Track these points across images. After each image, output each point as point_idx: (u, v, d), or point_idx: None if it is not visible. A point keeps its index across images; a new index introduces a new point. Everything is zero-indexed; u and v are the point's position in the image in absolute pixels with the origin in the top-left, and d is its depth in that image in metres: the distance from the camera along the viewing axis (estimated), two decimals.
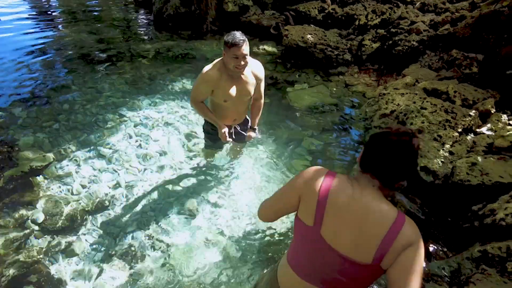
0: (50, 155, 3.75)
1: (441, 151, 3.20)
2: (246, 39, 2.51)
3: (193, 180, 3.49)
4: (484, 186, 2.74)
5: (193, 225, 3.08)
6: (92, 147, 3.98)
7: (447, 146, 3.22)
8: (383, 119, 4.03)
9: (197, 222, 3.08)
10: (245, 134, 3.22)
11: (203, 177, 3.51)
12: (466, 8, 5.01)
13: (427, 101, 3.59)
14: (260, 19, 6.65)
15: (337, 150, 4.03)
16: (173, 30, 7.02)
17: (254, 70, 2.85)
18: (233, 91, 2.71)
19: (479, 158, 2.87)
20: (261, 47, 6.31)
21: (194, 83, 2.80)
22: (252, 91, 2.79)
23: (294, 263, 1.43)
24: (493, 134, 3.21)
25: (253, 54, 6.18)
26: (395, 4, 5.56)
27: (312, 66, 5.58)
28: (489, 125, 3.32)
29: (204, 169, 3.62)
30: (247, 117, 3.35)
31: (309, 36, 5.38)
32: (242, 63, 2.57)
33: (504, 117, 3.34)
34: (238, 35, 2.58)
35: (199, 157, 3.76)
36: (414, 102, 3.77)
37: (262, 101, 3.14)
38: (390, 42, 4.91)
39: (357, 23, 5.56)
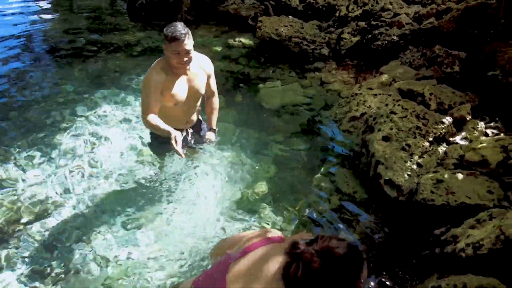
0: None
1: (409, 163, 2.86)
2: (189, 32, 2.29)
3: (146, 187, 3.15)
4: (449, 207, 2.41)
5: (140, 239, 2.78)
6: (41, 149, 3.68)
7: (416, 157, 2.87)
8: (352, 123, 3.68)
9: (144, 236, 2.78)
10: (203, 138, 2.93)
11: (157, 183, 3.19)
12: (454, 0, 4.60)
13: (398, 105, 3.23)
14: (239, 8, 6.24)
15: (302, 158, 3.70)
16: (146, 20, 6.62)
17: (202, 65, 2.58)
18: (182, 90, 2.48)
19: (446, 174, 2.53)
20: (237, 39, 5.92)
21: (141, 95, 2.48)
22: (203, 88, 2.60)
23: None
24: (467, 144, 2.86)
25: (227, 47, 5.88)
26: None
27: (288, 61, 5.19)
28: (464, 133, 2.97)
29: (158, 175, 3.29)
30: (200, 119, 3.06)
31: (284, 28, 4.98)
32: (185, 59, 2.29)
33: (481, 124, 2.97)
34: (180, 27, 2.29)
35: (155, 161, 3.41)
36: (387, 105, 3.42)
37: (216, 98, 2.86)
38: (370, 36, 4.52)
39: (337, 14, 5.15)
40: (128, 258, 2.59)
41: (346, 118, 3.75)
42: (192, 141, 2.84)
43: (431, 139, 2.93)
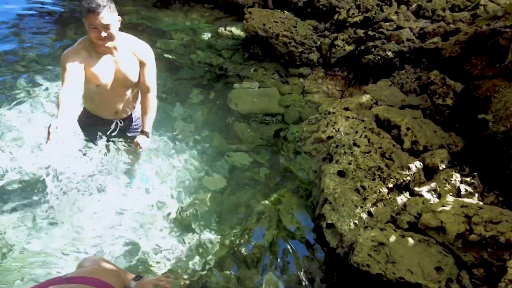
0: None
1: (359, 209, 2.39)
2: (111, 5, 2.01)
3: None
4: (385, 279, 1.95)
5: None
6: None
7: (369, 204, 2.40)
8: (316, 145, 3.20)
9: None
10: (130, 138, 2.58)
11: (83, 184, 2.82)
12: (466, 19, 3.98)
13: (365, 136, 2.73)
14: None
15: (257, 176, 3.28)
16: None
17: (135, 51, 2.26)
18: (105, 73, 2.23)
19: (393, 237, 2.06)
20: (228, 28, 5.42)
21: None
22: (132, 76, 2.31)
23: None
24: (429, 203, 2.36)
25: (215, 36, 5.39)
26: (387, 1, 4.54)
27: (273, 61, 4.68)
28: (433, 184, 2.47)
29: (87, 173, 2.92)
30: (136, 116, 2.66)
31: (273, 24, 4.46)
32: (103, 34, 2.01)
33: (456, 177, 2.46)
34: None
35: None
36: (356, 132, 2.92)
37: (153, 95, 2.46)
38: (363, 47, 3.97)
39: (336, 17, 4.59)
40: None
41: (311, 139, 3.28)
42: (114, 140, 2.61)
43: (391, 185, 2.44)
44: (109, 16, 1.99)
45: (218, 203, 3.03)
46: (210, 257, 2.61)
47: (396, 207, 2.36)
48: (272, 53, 4.58)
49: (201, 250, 2.67)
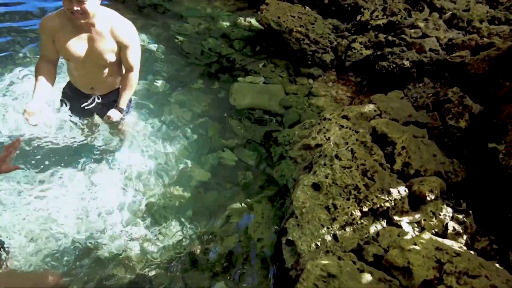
0: None
1: (324, 230, 2.10)
2: None
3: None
4: None
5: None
6: None
7: (336, 225, 2.10)
8: (302, 151, 2.92)
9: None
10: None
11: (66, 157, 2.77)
12: (504, 34, 3.47)
13: (350, 149, 2.42)
14: None
15: (240, 177, 3.08)
16: None
17: (115, 30, 2.13)
18: (77, 48, 2.11)
19: (347, 269, 1.76)
20: (247, 19, 5.20)
21: None
22: (107, 55, 2.19)
23: None
24: (413, 233, 2.02)
25: (233, 26, 5.19)
26: (419, 7, 4.10)
27: (285, 57, 4.40)
28: (417, 216, 2.11)
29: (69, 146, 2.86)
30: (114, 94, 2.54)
31: (288, 18, 4.18)
32: (76, 8, 1.88)
33: (447, 212, 2.09)
34: None
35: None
36: (347, 143, 2.61)
37: (134, 75, 2.35)
38: (379, 53, 3.59)
39: (358, 18, 4.22)
40: None
41: (300, 144, 2.99)
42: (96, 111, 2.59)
43: (366, 209, 2.12)
44: None
45: (195, 198, 2.87)
46: (164, 253, 2.45)
47: (367, 235, 2.05)
48: (284, 49, 4.31)
49: (159, 244, 2.51)
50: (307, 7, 4.55)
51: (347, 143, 2.62)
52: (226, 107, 3.79)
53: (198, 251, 2.44)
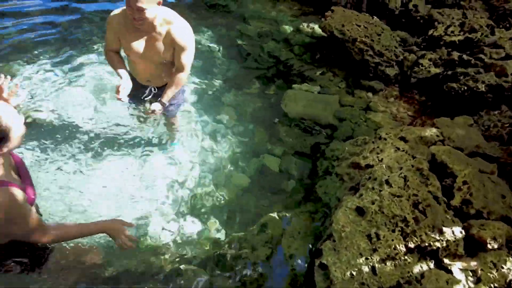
0: None
1: (362, 259, 1.96)
2: None
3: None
4: None
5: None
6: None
7: (376, 258, 1.94)
8: (350, 170, 2.77)
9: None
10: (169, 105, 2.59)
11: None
12: None
13: (404, 176, 2.22)
14: None
15: (282, 185, 3.05)
16: None
17: (173, 33, 2.21)
18: (137, 45, 2.27)
19: None
20: (311, 25, 5.09)
21: None
22: (164, 54, 2.29)
23: None
24: (467, 283, 1.79)
25: (296, 31, 5.10)
26: (506, 24, 3.67)
27: (345, 67, 4.22)
28: (473, 263, 1.87)
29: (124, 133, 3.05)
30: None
31: (353, 27, 4.00)
32: (136, 16, 2.01)
33: (511, 264, 1.82)
34: None
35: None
36: (401, 168, 2.41)
37: (184, 74, 2.42)
38: (450, 72, 3.28)
39: (431, 32, 3.89)
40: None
41: (349, 161, 2.83)
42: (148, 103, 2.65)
43: (413, 245, 1.93)
44: (145, 1, 1.94)
45: (233, 201, 2.89)
46: (195, 250, 2.49)
47: (409, 274, 1.86)
48: (345, 59, 4.13)
49: (192, 240, 2.56)
50: (375, 17, 4.32)
51: (401, 168, 2.41)
52: (277, 113, 3.74)
53: (228, 255, 2.41)
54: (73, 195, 2.56)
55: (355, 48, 3.95)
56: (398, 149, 2.65)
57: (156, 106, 2.43)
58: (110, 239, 1.75)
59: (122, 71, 2.32)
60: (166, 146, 3.07)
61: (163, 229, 2.58)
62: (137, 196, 2.69)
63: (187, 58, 2.34)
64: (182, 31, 2.24)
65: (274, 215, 2.73)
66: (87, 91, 3.40)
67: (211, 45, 4.51)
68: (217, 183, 2.99)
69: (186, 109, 3.42)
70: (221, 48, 4.52)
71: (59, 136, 2.95)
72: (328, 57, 4.38)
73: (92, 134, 3.00)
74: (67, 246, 1.97)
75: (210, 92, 3.80)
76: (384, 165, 2.52)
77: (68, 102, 3.24)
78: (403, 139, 2.82)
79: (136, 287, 2.17)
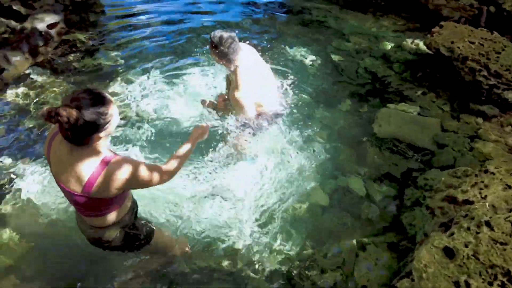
0: None
1: None
2: (214, 44, 2.42)
3: None
4: None
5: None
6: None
7: None
8: (444, 204, 2.45)
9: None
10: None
11: None
12: None
13: (510, 219, 1.86)
14: (442, 5, 4.87)
15: (367, 212, 2.85)
16: None
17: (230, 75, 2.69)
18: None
19: None
20: (415, 41, 4.71)
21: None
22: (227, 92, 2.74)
23: None
24: None
25: (398, 47, 4.77)
26: None
27: (452, 88, 3.77)
28: None
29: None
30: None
31: (465, 44, 3.55)
32: None
33: None
34: (219, 33, 2.42)
35: None
36: (509, 211, 2.03)
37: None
38: None
39: None
40: None
41: (444, 194, 2.50)
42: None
43: None
44: (211, 52, 2.48)
45: (309, 218, 2.84)
46: (265, 261, 2.51)
47: None
48: (453, 79, 3.70)
49: (263, 251, 2.59)
50: (495, 32, 3.77)
51: (509, 211, 2.04)
52: (368, 132, 3.54)
53: (295, 273, 2.37)
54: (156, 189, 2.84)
55: (465, 68, 3.50)
56: (509, 187, 2.24)
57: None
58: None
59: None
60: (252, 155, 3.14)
61: (238, 236, 2.66)
62: (216, 201, 2.83)
63: (232, 98, 2.64)
64: (235, 78, 2.60)
65: (351, 240, 2.58)
66: (185, 99, 3.76)
67: (305, 60, 4.54)
68: (296, 198, 2.96)
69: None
70: (315, 64, 4.51)
71: (148, 133, 3.33)
72: (432, 76, 3.98)
73: (178, 139, 3.27)
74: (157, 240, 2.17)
75: (302, 106, 3.75)
76: (487, 204, 2.16)
77: (166, 107, 3.64)
78: None
79: (204, 287, 2.28)
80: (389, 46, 4.81)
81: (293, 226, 2.76)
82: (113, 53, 4.36)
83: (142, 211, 2.52)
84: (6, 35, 3.99)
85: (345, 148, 3.43)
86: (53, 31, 4.11)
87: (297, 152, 3.29)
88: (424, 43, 4.00)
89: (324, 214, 2.88)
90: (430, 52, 3.92)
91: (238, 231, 2.68)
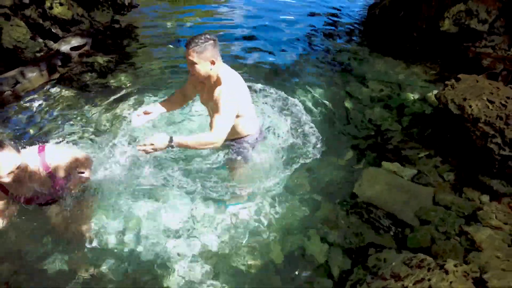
0: None
1: None
2: (200, 49, 2.17)
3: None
4: None
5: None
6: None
7: None
8: None
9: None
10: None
11: None
12: None
13: None
14: (486, 55, 4.19)
15: (322, 281, 2.48)
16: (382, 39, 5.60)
17: (216, 94, 2.36)
18: (201, 96, 2.62)
19: None
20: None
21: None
22: (210, 106, 2.48)
23: None
24: None
25: (421, 100, 4.23)
26: None
27: (461, 154, 3.11)
28: None
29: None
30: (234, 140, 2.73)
31: (480, 102, 2.92)
32: (188, 68, 2.30)
33: None
34: (198, 37, 2.22)
35: None
36: None
37: (210, 135, 2.33)
38: None
39: None
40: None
41: (384, 283, 1.97)
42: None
43: None
44: (194, 56, 2.16)
45: (259, 274, 2.55)
46: None
47: None
48: (463, 143, 3.05)
49: None
50: None
51: None
52: (347, 192, 3.08)
53: None
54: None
55: (476, 131, 2.87)
56: None
57: (158, 138, 2.18)
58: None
59: (157, 103, 2.67)
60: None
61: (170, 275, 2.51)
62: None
63: (218, 122, 2.28)
64: (223, 95, 2.26)
65: None
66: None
67: (317, 102, 4.20)
68: (253, 247, 2.69)
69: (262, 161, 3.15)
70: (326, 108, 4.12)
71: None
72: (441, 135, 3.35)
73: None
74: None
75: (293, 151, 3.37)
76: None
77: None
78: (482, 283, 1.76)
79: None
80: (411, 96, 4.25)
81: (236, 278, 2.50)
82: (128, 77, 4.60)
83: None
84: (39, 54, 4.53)
85: (325, 205, 3.04)
86: (74, 53, 4.53)
87: (273, 201, 3.01)
88: (435, 96, 3.42)
89: (273, 272, 2.57)
90: (438, 105, 3.33)
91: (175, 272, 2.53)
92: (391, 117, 3.90)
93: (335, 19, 6.76)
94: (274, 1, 7.53)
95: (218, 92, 2.28)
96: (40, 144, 2.28)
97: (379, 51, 5.32)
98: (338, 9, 7.16)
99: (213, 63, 2.21)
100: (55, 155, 2.24)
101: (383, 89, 4.45)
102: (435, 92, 4.15)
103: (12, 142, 2.01)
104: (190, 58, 2.17)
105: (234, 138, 2.64)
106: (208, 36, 2.19)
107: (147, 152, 2.20)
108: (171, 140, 2.19)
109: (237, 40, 5.70)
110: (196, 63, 2.18)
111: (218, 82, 2.32)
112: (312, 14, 6.92)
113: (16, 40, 4.38)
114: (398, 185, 3.01)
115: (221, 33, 5.84)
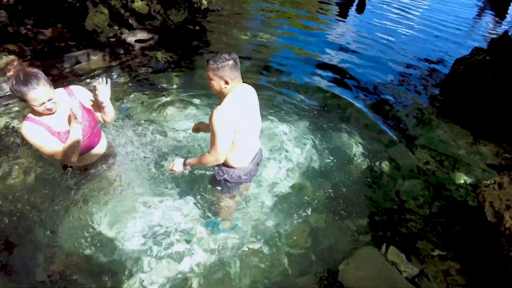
0: None
1: None
2: (218, 64, 2.26)
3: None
4: None
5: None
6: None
7: None
8: None
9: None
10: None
11: None
12: None
13: None
14: None
15: None
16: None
17: (212, 113, 2.37)
18: None
19: None
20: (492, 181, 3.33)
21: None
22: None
23: None
24: None
25: (468, 186, 3.61)
26: None
27: (486, 267, 2.46)
28: None
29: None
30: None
31: None
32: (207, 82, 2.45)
33: None
34: (216, 55, 2.29)
35: None
36: None
37: (209, 155, 2.42)
38: None
39: None
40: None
41: None
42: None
43: None
44: (210, 72, 2.25)
45: None
46: None
47: None
48: (492, 259, 2.42)
49: None
50: None
51: None
52: (333, 264, 2.70)
53: None
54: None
55: (511, 249, 2.25)
56: None
57: (177, 163, 2.61)
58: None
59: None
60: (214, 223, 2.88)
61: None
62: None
63: (212, 141, 2.33)
64: (214, 115, 2.25)
65: None
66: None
67: (354, 158, 3.79)
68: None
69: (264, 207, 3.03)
70: (360, 165, 3.70)
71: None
72: (470, 240, 2.71)
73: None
74: None
75: (308, 201, 3.16)
76: None
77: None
78: None
79: None
80: (462, 179, 3.59)
81: None
82: (179, 76, 4.78)
83: None
84: (112, 39, 4.98)
85: (309, 271, 2.70)
86: (137, 45, 4.86)
87: (267, 245, 2.79)
88: (476, 192, 2.79)
89: None
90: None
91: None
92: (423, 197, 3.31)
93: (424, 64, 6.21)
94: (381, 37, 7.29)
95: (213, 111, 2.28)
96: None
97: (447, 114, 4.63)
98: (440, 51, 6.63)
99: (227, 82, 2.25)
100: (79, 90, 2.49)
101: (429, 162, 3.83)
102: (485, 182, 3.45)
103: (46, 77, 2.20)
104: (208, 73, 2.27)
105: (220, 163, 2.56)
106: (227, 57, 2.20)
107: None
108: (184, 162, 2.59)
109: (306, 67, 5.57)
110: (211, 79, 2.27)
111: (221, 102, 2.32)
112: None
113: (96, 25, 4.89)
114: (390, 281, 2.52)
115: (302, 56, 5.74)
